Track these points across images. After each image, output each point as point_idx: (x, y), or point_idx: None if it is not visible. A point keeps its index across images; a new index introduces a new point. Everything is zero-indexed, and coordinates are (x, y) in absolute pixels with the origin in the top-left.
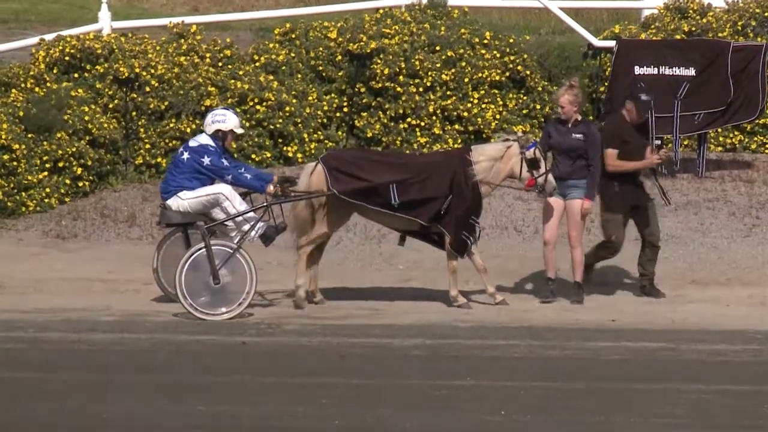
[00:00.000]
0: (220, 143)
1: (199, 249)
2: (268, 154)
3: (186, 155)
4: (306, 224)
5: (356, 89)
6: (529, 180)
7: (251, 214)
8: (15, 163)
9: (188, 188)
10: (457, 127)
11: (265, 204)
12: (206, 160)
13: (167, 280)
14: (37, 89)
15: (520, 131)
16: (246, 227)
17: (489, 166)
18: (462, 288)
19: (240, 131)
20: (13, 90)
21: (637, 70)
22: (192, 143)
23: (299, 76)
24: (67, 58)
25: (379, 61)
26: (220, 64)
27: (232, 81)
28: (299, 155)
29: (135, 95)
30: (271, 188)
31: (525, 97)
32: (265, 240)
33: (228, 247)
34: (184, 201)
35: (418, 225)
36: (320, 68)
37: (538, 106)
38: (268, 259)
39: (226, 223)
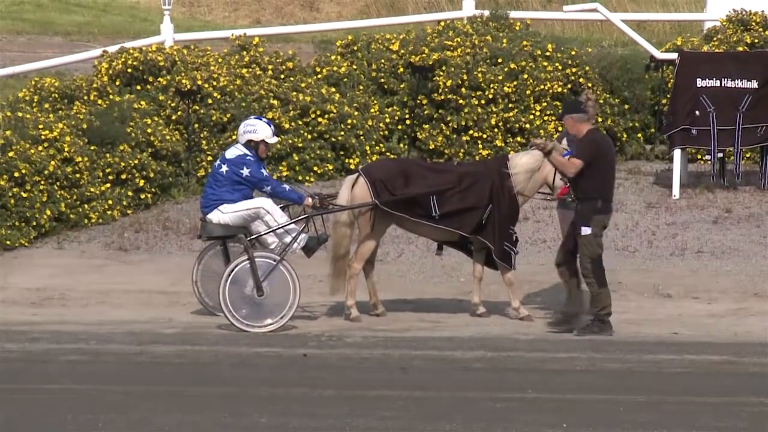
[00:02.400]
0: (254, 152)
1: (243, 261)
2: (330, 167)
3: (225, 168)
4: (344, 240)
5: (418, 101)
6: (562, 189)
7: (292, 226)
8: (78, 175)
9: (229, 201)
10: (519, 139)
11: (305, 215)
12: (246, 171)
13: (206, 293)
14: (99, 101)
15: (555, 139)
16: (287, 239)
17: (527, 177)
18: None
19: (272, 140)
20: (76, 102)
21: (699, 83)
22: (229, 155)
23: (361, 88)
24: (129, 70)
25: (441, 73)
26: (282, 76)
27: (294, 93)
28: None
29: (197, 107)
30: (309, 201)
31: None
32: (308, 251)
33: (271, 259)
34: (225, 215)
35: (458, 236)
36: (382, 80)
37: (600, 119)
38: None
39: (266, 236)
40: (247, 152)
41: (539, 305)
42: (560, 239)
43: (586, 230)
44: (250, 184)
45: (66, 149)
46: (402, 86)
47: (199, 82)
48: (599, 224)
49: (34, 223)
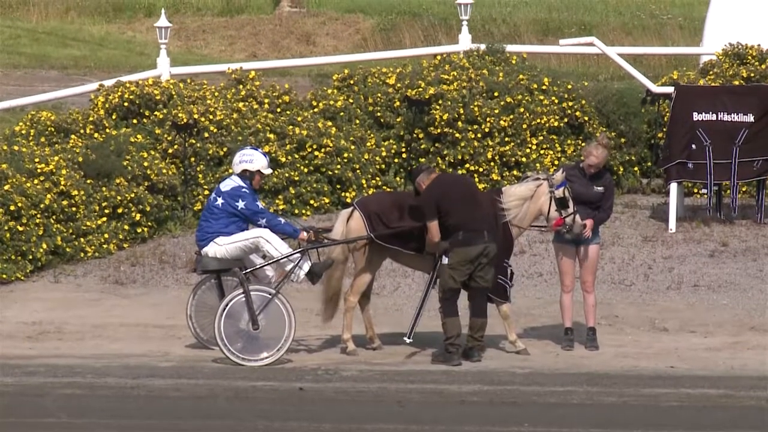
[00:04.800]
0: (249, 183)
1: (238, 295)
2: (327, 200)
3: (220, 200)
4: (337, 273)
5: (414, 135)
6: (557, 220)
7: (290, 250)
8: (74, 209)
9: (225, 234)
10: (515, 172)
11: (301, 249)
12: (241, 204)
13: (201, 327)
14: (96, 135)
15: (559, 172)
16: (289, 267)
17: (519, 204)
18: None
19: (267, 172)
20: (73, 136)
21: (696, 116)
22: (224, 187)
23: (357, 122)
24: (126, 104)
25: (437, 106)
26: (278, 110)
27: (291, 127)
28: None
29: (194, 141)
30: (304, 235)
31: (583, 143)
32: (313, 276)
33: (266, 293)
34: (221, 247)
35: None
36: (378, 114)
37: None
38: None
39: (264, 268)
40: (242, 184)
41: (536, 338)
42: (556, 272)
43: (444, 260)
44: (245, 216)
45: (62, 183)
46: (398, 120)
47: (196, 116)
48: (458, 257)
49: (30, 257)
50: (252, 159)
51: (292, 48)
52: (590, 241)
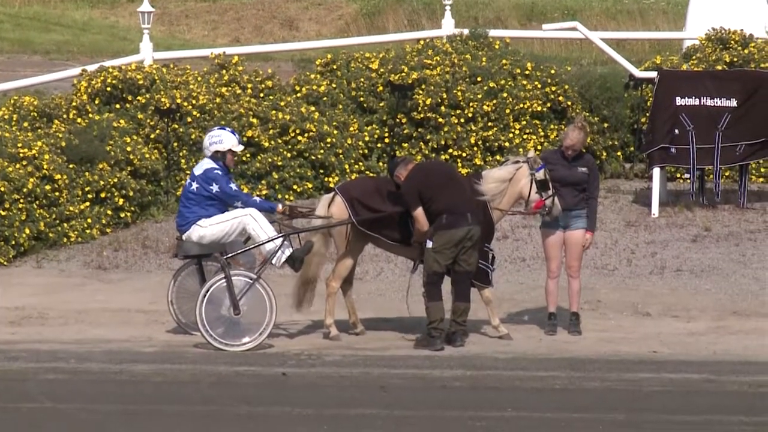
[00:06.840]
0: (222, 164)
1: (219, 280)
2: (310, 185)
3: (195, 185)
4: (315, 258)
5: (397, 120)
6: (538, 202)
7: (275, 233)
8: (57, 194)
9: (206, 217)
10: (498, 157)
11: (283, 234)
12: (215, 187)
13: (182, 312)
14: (79, 120)
15: (530, 152)
16: (270, 251)
17: (497, 186)
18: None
19: (238, 149)
20: (55, 121)
21: (679, 101)
22: (197, 171)
23: (340, 106)
24: (108, 88)
25: (420, 91)
26: (261, 94)
27: (274, 112)
28: None
29: (176, 126)
30: (280, 207)
31: (566, 128)
32: (294, 263)
33: (248, 278)
34: (205, 228)
35: None
36: (361, 99)
37: None
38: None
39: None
40: (215, 165)
41: (519, 323)
42: (541, 257)
43: (428, 243)
44: (220, 200)
45: (45, 167)
46: (381, 105)
47: (179, 101)
48: (443, 240)
49: (13, 242)
50: (221, 139)
51: (275, 33)
52: (577, 227)
